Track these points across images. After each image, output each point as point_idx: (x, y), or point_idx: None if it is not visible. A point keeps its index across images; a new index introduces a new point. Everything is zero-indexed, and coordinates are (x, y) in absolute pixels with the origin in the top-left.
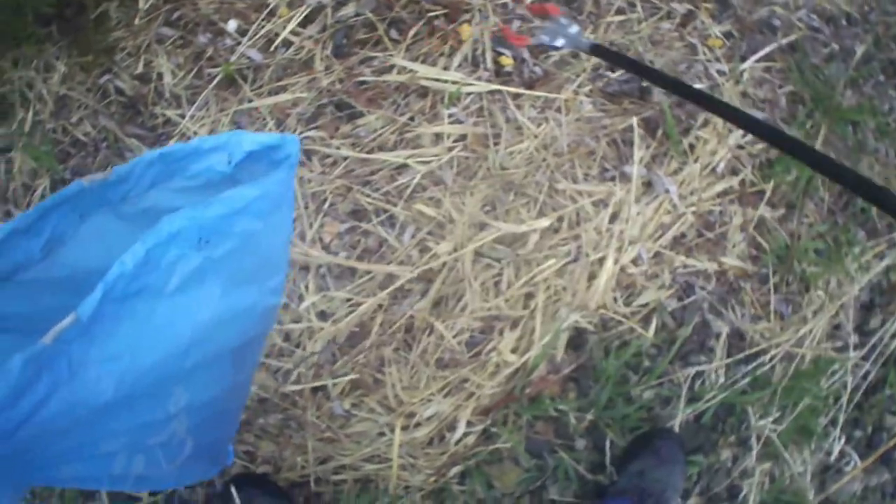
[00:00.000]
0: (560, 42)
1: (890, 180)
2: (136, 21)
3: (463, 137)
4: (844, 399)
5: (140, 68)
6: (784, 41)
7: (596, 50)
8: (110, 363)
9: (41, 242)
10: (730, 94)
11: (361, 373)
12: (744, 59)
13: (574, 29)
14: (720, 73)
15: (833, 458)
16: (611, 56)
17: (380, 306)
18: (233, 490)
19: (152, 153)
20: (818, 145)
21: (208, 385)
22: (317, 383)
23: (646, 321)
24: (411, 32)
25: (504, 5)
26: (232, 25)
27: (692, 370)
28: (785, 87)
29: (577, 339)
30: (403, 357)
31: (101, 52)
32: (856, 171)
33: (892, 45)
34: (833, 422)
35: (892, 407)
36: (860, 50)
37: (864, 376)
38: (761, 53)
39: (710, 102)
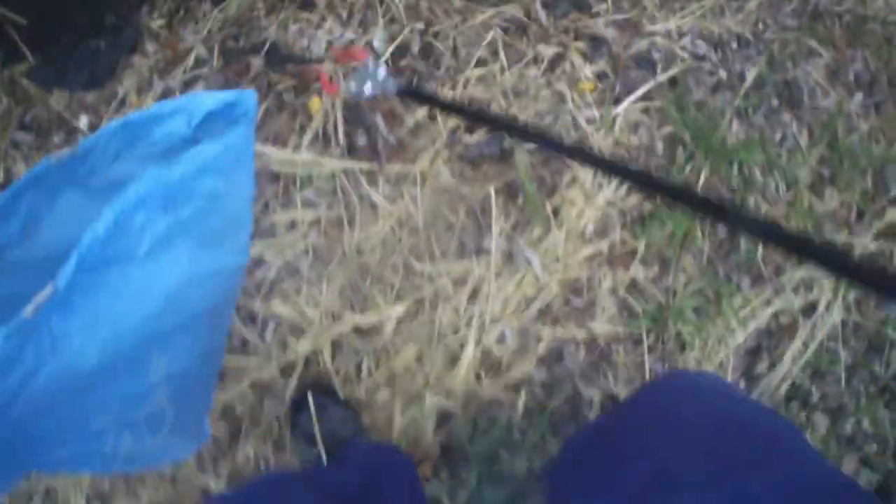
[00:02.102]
0: (368, 88)
1: (778, 220)
2: None
3: (317, 222)
4: None
5: (0, 177)
6: (664, 76)
7: (403, 93)
8: (91, 331)
9: (19, 223)
10: (599, 144)
11: (242, 472)
12: (618, 101)
13: (382, 72)
14: (589, 121)
15: None
16: (422, 98)
17: (251, 406)
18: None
19: (116, 121)
20: (700, 188)
21: (184, 350)
22: None
23: (514, 396)
24: (262, 109)
25: (355, 69)
26: (84, 121)
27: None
28: (663, 128)
29: (444, 421)
30: (277, 453)
31: None
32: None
33: (788, 65)
34: None
35: None
36: (751, 74)
37: None
38: (637, 94)
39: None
